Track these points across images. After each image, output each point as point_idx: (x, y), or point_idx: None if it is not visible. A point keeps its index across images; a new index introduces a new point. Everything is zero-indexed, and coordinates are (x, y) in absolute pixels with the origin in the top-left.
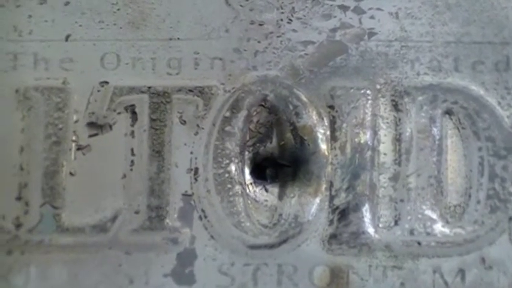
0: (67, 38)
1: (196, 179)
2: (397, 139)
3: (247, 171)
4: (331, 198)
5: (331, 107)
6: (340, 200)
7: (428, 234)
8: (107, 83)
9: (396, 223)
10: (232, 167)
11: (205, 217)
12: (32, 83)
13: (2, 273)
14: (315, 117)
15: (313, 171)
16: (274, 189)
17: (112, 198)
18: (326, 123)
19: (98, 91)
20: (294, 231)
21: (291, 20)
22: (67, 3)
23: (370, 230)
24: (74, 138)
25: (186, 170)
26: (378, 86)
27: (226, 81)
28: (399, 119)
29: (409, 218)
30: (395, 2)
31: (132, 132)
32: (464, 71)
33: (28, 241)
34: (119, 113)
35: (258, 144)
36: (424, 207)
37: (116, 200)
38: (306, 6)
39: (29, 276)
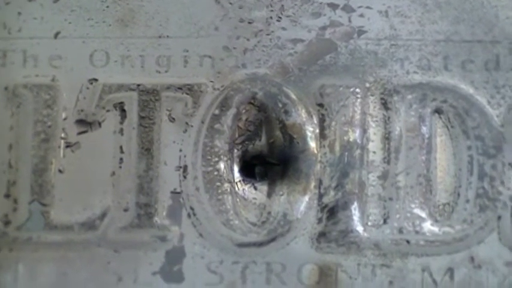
0: (56, 35)
1: (185, 177)
2: (386, 137)
3: (236, 169)
4: (320, 196)
5: (321, 105)
6: (329, 198)
7: (417, 232)
8: (96, 80)
9: (385, 221)
10: (221, 165)
11: (194, 215)
12: (21, 81)
13: None
14: (304, 115)
15: (302, 169)
16: (263, 187)
17: (101, 195)
18: (315, 121)
19: (87, 88)
20: (283, 230)
21: (280, 18)
22: (56, 1)
23: (359, 228)
24: (62, 135)
25: (175, 167)
26: (367, 85)
27: (216, 79)
28: (388, 118)
29: (398, 216)
30: (384, 0)
31: (121, 130)
32: (454, 69)
33: (16, 238)
34: (108, 111)
35: (247, 142)
36: (413, 205)
37: (105, 197)
38: (296, 4)
39: (17, 273)
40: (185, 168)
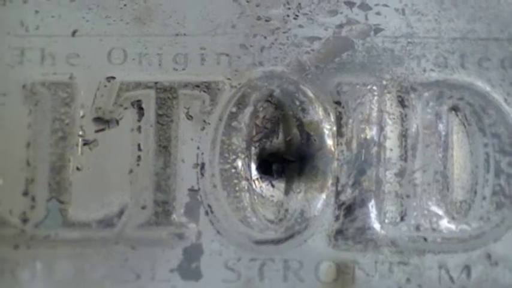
0: (74, 33)
1: (202, 174)
2: (403, 135)
3: (253, 166)
4: (337, 193)
5: (338, 102)
6: (346, 195)
7: (434, 230)
8: (113, 78)
9: (402, 219)
10: (239, 163)
11: (212, 212)
12: (38, 78)
13: (8, 267)
14: (321, 113)
15: (319, 166)
16: (281, 185)
17: (118, 193)
18: (332, 119)
19: (105, 86)
20: (300, 227)
21: (297, 15)
22: None
23: (376, 225)
24: (80, 133)
25: (192, 165)
26: (384, 82)
27: (233, 77)
28: (405, 115)
29: (415, 213)
30: None
31: (139, 128)
32: (471, 67)
33: (34, 236)
34: (126, 108)
35: (264, 140)
36: (430, 203)
37: (123, 195)
38: (313, 2)
39: (35, 270)
40: (203, 165)
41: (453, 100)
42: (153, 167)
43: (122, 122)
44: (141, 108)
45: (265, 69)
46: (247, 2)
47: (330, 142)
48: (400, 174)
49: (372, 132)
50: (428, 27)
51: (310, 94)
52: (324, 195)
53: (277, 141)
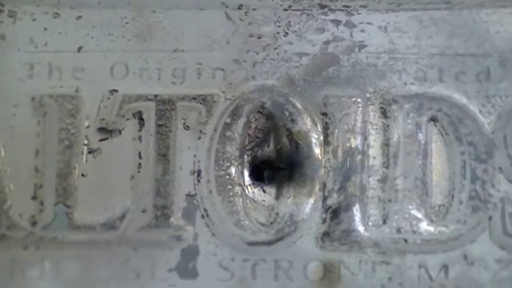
0: (79, 49)
1: (199, 181)
2: (386, 144)
3: (246, 173)
4: (324, 198)
5: (324, 114)
6: (333, 200)
7: (414, 232)
8: (116, 91)
9: (384, 222)
10: (233, 170)
11: (207, 216)
12: (46, 91)
13: (18, 267)
14: (309, 123)
15: (308, 173)
16: (272, 190)
17: (121, 198)
18: (319, 129)
19: (108, 98)
20: (290, 229)
21: (287, 33)
22: (79, 17)
23: (360, 228)
24: (85, 142)
25: (189, 172)
26: (368, 95)
27: (227, 90)
28: (387, 125)
29: (396, 217)
30: (384, 16)
31: (140, 137)
32: (448, 81)
33: (43, 238)
34: (127, 119)
35: (256, 148)
36: (410, 207)
37: (125, 199)
38: (301, 21)
39: (43, 270)
40: (199, 172)
41: (432, 111)
42: (153, 173)
43: (124, 132)
44: (141, 119)
45: (257, 83)
46: (241, 20)
47: (317, 150)
48: (383, 180)
49: (356, 142)
50: (409, 43)
51: (299, 106)
52: (311, 200)
53: (268, 149)
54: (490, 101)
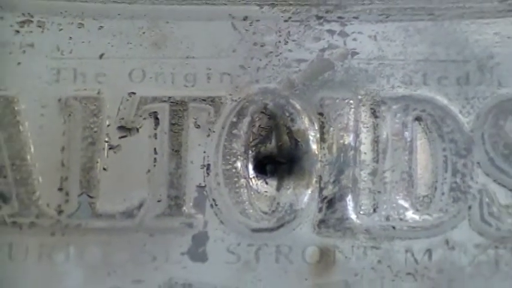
0: (101, 56)
1: (208, 174)
2: (375, 141)
3: (250, 167)
4: (321, 189)
5: (321, 114)
6: (328, 191)
7: (401, 220)
8: (134, 93)
9: (374, 211)
10: (238, 164)
11: (216, 205)
12: (71, 94)
13: (46, 251)
14: (307, 122)
15: (306, 167)
16: (273, 182)
17: (138, 189)
18: (316, 128)
19: (127, 100)
20: (290, 217)
21: (287, 41)
22: (101, 27)
23: (353, 216)
24: (106, 139)
25: (200, 166)
26: (359, 97)
27: (234, 92)
28: (377, 124)
29: (385, 206)
30: (374, 27)
31: (155, 135)
32: (431, 84)
33: (68, 225)
34: (144, 119)
35: (259, 145)
36: (397, 197)
37: (142, 190)
38: (300, 31)
39: (68, 254)
40: (208, 166)
41: (417, 112)
42: (167, 167)
43: (141, 130)
44: (157, 119)
45: (260, 86)
46: (246, 30)
47: (314, 147)
48: (373, 173)
49: (349, 139)
50: (396, 51)
51: (298, 107)
52: (309, 191)
53: (271, 146)
54: (469, 102)
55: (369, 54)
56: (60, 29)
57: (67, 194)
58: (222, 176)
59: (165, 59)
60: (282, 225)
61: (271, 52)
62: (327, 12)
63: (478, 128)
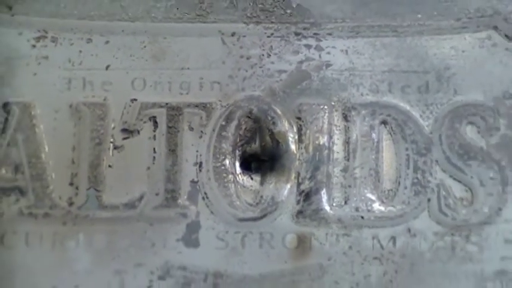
0: (107, 67)
1: (200, 170)
2: (346, 142)
3: (237, 164)
4: (299, 184)
5: (299, 118)
6: (305, 185)
7: (369, 211)
8: (135, 100)
9: (346, 203)
10: (227, 162)
11: (207, 198)
12: (81, 100)
13: (59, 239)
14: (287, 125)
15: (286, 164)
16: (257, 178)
17: (139, 184)
18: (295, 130)
19: (129, 106)
20: (271, 209)
21: (270, 55)
22: (107, 42)
23: (327, 207)
24: (111, 140)
25: (193, 163)
26: (333, 103)
27: (223, 99)
28: (348, 127)
29: (355, 199)
30: (345, 42)
31: (154, 136)
32: (396, 92)
33: (78, 215)
34: (145, 122)
35: (245, 145)
36: (365, 191)
37: (142, 185)
38: (281, 45)
39: (78, 241)
40: (200, 164)
41: (383, 116)
42: (164, 165)
43: (142, 132)
44: (155, 122)
45: (246, 94)
46: (233, 45)
47: (293, 147)
48: (344, 170)
49: (323, 140)
50: (365, 63)
51: (279, 111)
52: (288, 186)
53: (255, 146)
54: (428, 108)
55: (341, 65)
56: (71, 44)
57: (77, 188)
58: (212, 172)
59: (163, 69)
60: (264, 215)
61: (255, 64)
62: (304, 29)
63: (436, 130)
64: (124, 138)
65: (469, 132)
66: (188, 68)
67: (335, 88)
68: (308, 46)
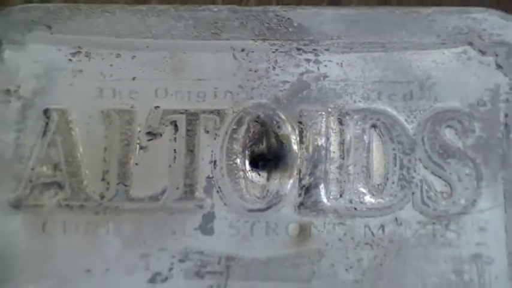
0: (133, 78)
1: (215, 168)
2: (341, 143)
3: (247, 162)
4: (300, 180)
5: (300, 122)
6: (306, 181)
7: (361, 202)
8: (158, 107)
9: (341, 196)
10: (238, 160)
11: (221, 191)
12: (111, 107)
13: (92, 227)
14: (289, 128)
15: (289, 163)
16: (264, 174)
17: (161, 179)
18: (297, 133)
19: (153, 112)
20: (276, 201)
21: (275, 67)
22: (134, 57)
23: (325, 200)
24: (138, 141)
25: (208, 161)
26: (329, 109)
27: (234, 106)
28: (343, 130)
29: (349, 192)
30: (340, 56)
31: (175, 138)
32: (384, 99)
33: (108, 207)
34: (166, 126)
35: (253, 146)
36: (358, 185)
37: (164, 180)
38: (284, 59)
39: (108, 229)
40: (215, 162)
41: (373, 120)
42: (184, 163)
43: (164, 135)
44: (176, 126)
45: (254, 101)
46: (243, 59)
47: (295, 147)
48: (340, 167)
49: (321, 141)
50: (357, 74)
51: (283, 117)
52: (291, 181)
53: (262, 146)
54: (412, 113)
55: (337, 77)
56: (103, 58)
57: (108, 183)
58: (225, 169)
59: (182, 80)
60: (270, 207)
61: (262, 75)
62: (304, 45)
63: (420, 132)
64: (148, 140)
65: (448, 134)
66: (204, 79)
67: (331, 96)
68: (308, 60)
